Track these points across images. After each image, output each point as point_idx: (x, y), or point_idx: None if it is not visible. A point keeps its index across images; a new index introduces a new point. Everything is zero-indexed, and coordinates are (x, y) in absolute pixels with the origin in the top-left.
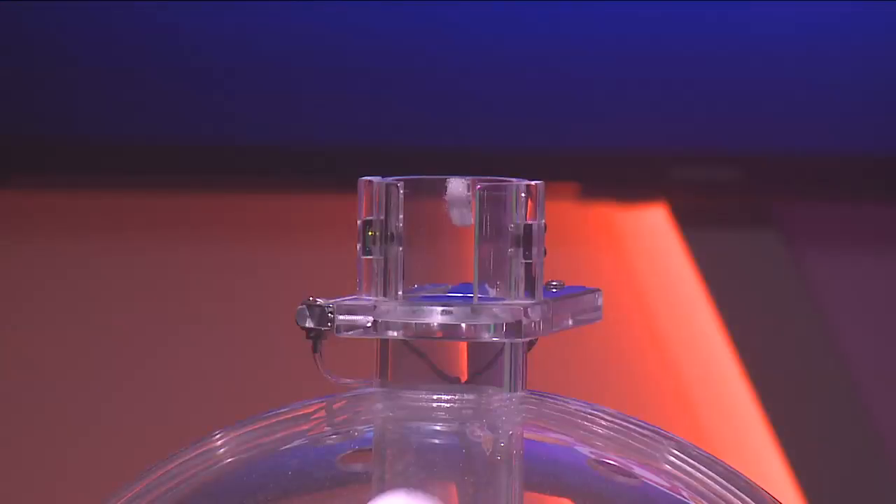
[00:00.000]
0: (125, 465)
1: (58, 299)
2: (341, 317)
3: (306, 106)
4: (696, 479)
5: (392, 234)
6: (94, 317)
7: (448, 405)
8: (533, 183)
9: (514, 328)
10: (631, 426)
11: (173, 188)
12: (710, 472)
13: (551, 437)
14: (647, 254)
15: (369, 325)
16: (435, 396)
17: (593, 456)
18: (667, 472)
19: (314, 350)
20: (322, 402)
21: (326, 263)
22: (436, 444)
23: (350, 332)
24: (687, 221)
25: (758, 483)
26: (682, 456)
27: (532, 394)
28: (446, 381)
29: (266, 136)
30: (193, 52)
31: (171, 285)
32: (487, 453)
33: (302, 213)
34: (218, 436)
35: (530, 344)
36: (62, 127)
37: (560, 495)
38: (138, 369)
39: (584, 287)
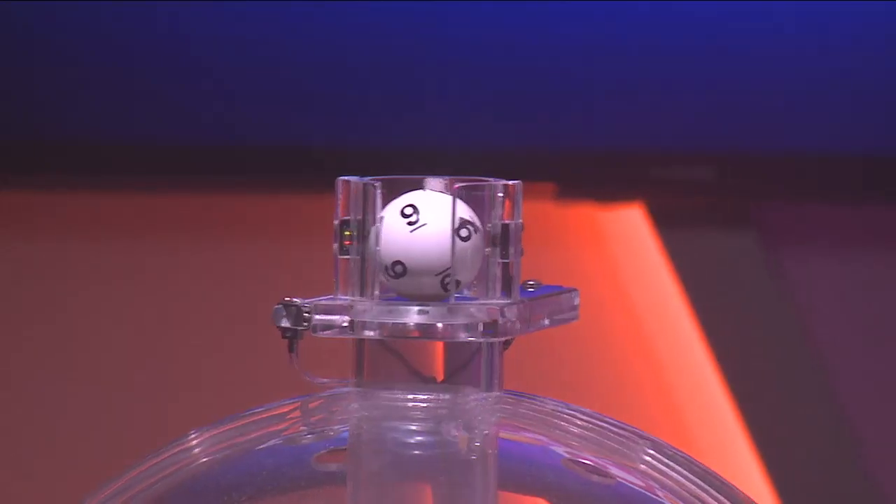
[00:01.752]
0: (102, 464)
1: (42, 298)
2: (318, 316)
3: (286, 106)
4: (671, 478)
5: (369, 234)
6: (77, 316)
7: (424, 405)
8: (510, 183)
9: (491, 328)
10: (607, 426)
11: (153, 189)
12: (685, 472)
13: (527, 437)
14: (624, 254)
15: (346, 324)
16: (411, 396)
17: (568, 455)
18: (642, 472)
19: (290, 350)
20: (297, 401)
21: (306, 263)
22: (411, 443)
23: (326, 332)
24: (664, 221)
25: (733, 483)
26: (657, 456)
27: (508, 393)
28: (422, 380)
29: (247, 137)
30: (182, 52)
31: (148, 285)
32: (463, 453)
33: (282, 214)
34: (193, 435)
35: (507, 343)
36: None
37: (535, 495)
38: (118, 368)
39: (560, 287)
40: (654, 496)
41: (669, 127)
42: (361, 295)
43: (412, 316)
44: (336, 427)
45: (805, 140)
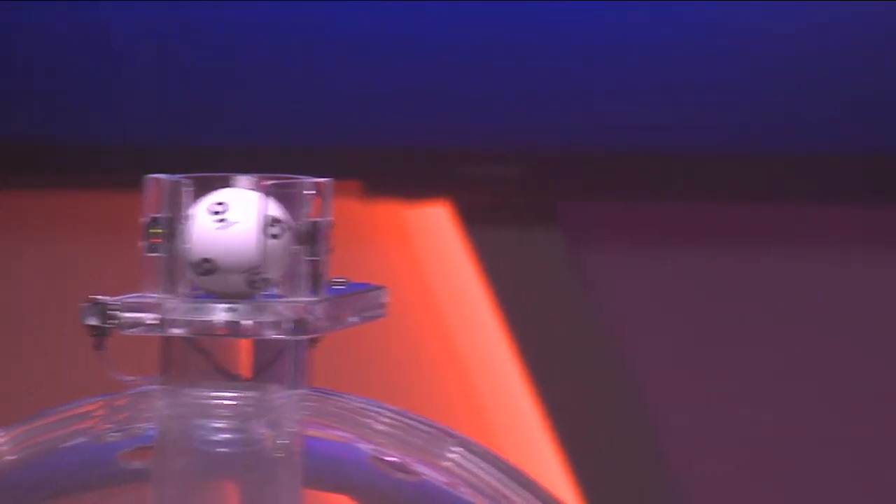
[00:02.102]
0: None
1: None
2: (125, 314)
3: (87, 104)
4: (475, 475)
5: (178, 231)
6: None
7: (230, 403)
8: (320, 180)
9: (298, 325)
10: (413, 423)
11: None
12: (490, 469)
13: (332, 434)
14: (431, 251)
15: (153, 322)
16: (217, 394)
17: (373, 453)
18: (447, 469)
19: (97, 347)
20: (104, 399)
21: (121, 260)
22: (217, 441)
23: (134, 330)
24: (470, 219)
25: (537, 479)
26: (463, 452)
27: (314, 391)
28: (229, 378)
29: (58, 136)
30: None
31: None
32: (268, 451)
33: (93, 210)
34: None
35: (314, 341)
36: None
37: (339, 492)
38: None
39: (368, 284)
40: (459, 493)
41: (476, 125)
42: (169, 292)
43: (219, 314)
44: (142, 425)
45: (610, 139)
